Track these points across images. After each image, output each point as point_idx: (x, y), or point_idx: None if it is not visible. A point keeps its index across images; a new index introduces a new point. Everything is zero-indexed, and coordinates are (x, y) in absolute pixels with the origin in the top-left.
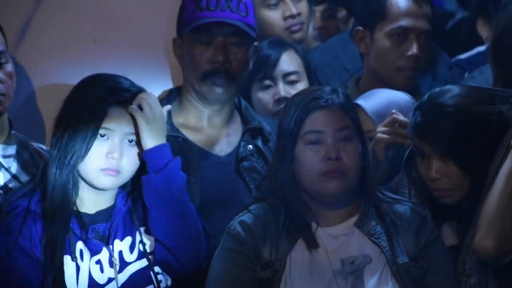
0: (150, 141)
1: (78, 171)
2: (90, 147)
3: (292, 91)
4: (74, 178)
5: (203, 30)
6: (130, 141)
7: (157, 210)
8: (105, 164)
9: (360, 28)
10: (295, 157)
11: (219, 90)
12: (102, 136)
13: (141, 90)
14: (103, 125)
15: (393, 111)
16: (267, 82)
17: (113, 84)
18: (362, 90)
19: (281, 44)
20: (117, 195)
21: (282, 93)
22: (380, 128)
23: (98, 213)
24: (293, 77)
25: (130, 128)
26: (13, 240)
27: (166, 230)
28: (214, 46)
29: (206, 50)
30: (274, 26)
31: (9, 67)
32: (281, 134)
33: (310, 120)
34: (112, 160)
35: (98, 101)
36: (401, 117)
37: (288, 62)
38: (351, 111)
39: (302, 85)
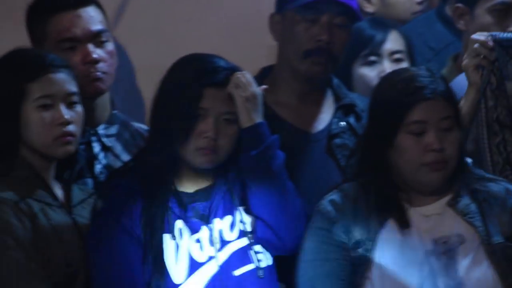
0: (247, 120)
1: (176, 151)
2: (188, 128)
3: None
4: (173, 158)
5: (310, 7)
6: (227, 120)
7: (256, 187)
8: (202, 143)
9: (459, 5)
10: (395, 145)
11: (319, 69)
12: (199, 116)
13: (236, 69)
14: (200, 105)
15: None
16: (373, 58)
17: (208, 64)
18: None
19: (385, 24)
20: (216, 174)
21: (388, 71)
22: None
23: (198, 192)
24: (398, 56)
25: (226, 108)
26: (115, 219)
27: (266, 207)
28: (320, 24)
29: (311, 28)
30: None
31: (110, 46)
32: (377, 116)
33: (415, 111)
34: (208, 139)
35: (193, 81)
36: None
37: (394, 41)
38: (453, 99)
39: (405, 65)
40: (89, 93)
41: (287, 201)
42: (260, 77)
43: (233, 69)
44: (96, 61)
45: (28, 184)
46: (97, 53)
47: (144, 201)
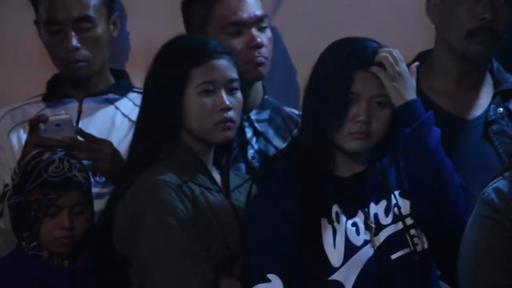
0: (399, 98)
1: (329, 136)
2: (340, 113)
3: None
4: (327, 143)
5: None
6: (379, 103)
7: (413, 165)
8: (354, 128)
9: None
10: None
11: (482, 48)
12: (351, 100)
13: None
14: (352, 89)
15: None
16: None
17: (358, 47)
18: None
19: None
20: (371, 158)
21: None
22: None
23: (353, 176)
24: None
25: (377, 90)
26: (272, 204)
27: (425, 183)
28: (483, 2)
29: (474, 7)
30: None
31: (269, 32)
32: None
33: None
34: (361, 124)
35: (344, 65)
36: None
37: None
38: None
39: None
40: (250, 78)
41: (446, 176)
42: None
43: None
44: (260, 46)
45: (190, 168)
46: (260, 37)
47: (300, 186)
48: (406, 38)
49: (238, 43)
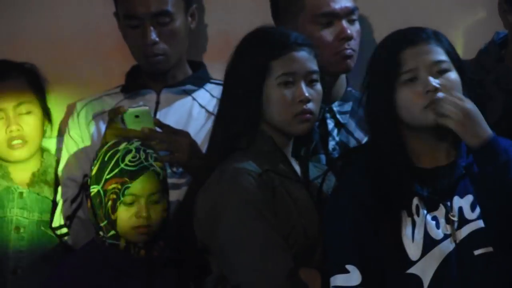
0: (474, 139)
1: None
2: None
3: None
4: (394, 133)
5: None
6: None
7: (490, 201)
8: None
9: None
10: None
11: None
12: None
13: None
14: None
15: None
16: None
17: (407, 31)
18: None
19: None
20: (457, 152)
21: None
22: None
23: (437, 169)
24: None
25: None
26: (352, 195)
27: (501, 215)
28: None
29: None
30: None
31: (358, 25)
32: None
33: None
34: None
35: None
36: None
37: None
38: None
39: None
40: (338, 70)
41: None
42: None
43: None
44: (350, 38)
45: (269, 158)
46: (350, 30)
47: (380, 178)
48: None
49: (328, 34)
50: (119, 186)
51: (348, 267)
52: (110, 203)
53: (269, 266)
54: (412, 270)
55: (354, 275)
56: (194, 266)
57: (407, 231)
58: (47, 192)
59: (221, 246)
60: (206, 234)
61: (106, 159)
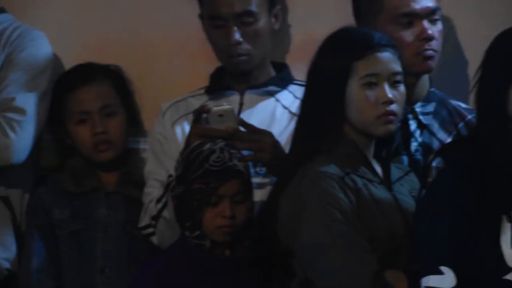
0: None
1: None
2: None
3: None
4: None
5: None
6: None
7: None
8: None
9: None
10: None
11: None
12: None
13: None
14: None
15: None
16: None
17: None
18: None
19: None
20: None
21: None
22: None
23: None
24: None
25: None
26: (449, 196)
27: None
28: None
29: None
30: None
31: (440, 24)
32: None
33: None
34: None
35: None
36: None
37: None
38: None
39: None
40: (418, 70)
41: None
42: None
43: None
44: (431, 38)
45: (351, 160)
46: (432, 30)
47: (486, 181)
48: None
49: (408, 34)
50: (204, 187)
51: (442, 268)
52: (195, 203)
53: (354, 269)
54: (509, 277)
55: (448, 278)
56: (279, 268)
57: (505, 236)
58: (133, 192)
59: (305, 250)
60: (290, 238)
61: (190, 160)
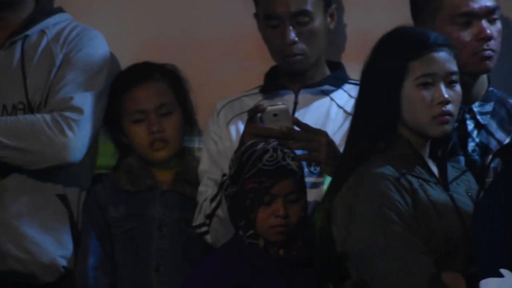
0: None
1: None
2: None
3: None
4: None
5: None
6: None
7: None
8: None
9: None
10: None
11: None
12: None
13: None
14: None
15: None
16: None
17: None
18: None
19: None
20: None
21: None
22: None
23: None
24: None
25: None
26: (507, 198)
27: None
28: None
29: None
30: None
31: (499, 24)
32: None
33: None
34: None
35: None
36: None
37: None
38: None
39: None
40: (476, 70)
41: None
42: None
43: None
44: (489, 38)
45: (407, 161)
46: (490, 29)
47: None
48: None
49: (466, 34)
50: (257, 186)
51: (503, 271)
52: (248, 202)
53: (411, 271)
54: None
55: (508, 280)
56: (333, 269)
57: None
58: (188, 191)
59: (360, 251)
60: (345, 239)
61: (244, 159)
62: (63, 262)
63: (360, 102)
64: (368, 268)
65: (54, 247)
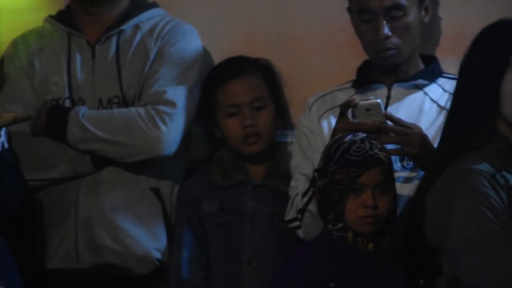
0: None
1: None
2: None
3: None
4: None
5: None
6: None
7: None
8: None
9: None
10: None
11: None
12: None
13: None
14: None
15: None
16: None
17: None
18: None
19: None
20: None
21: None
22: None
23: None
24: None
25: None
26: None
27: None
28: None
29: None
30: None
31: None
32: None
33: None
34: None
35: None
36: None
37: None
38: None
39: None
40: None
41: None
42: None
43: None
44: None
45: (504, 157)
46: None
47: None
48: None
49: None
50: (345, 176)
51: None
52: (336, 194)
53: (506, 269)
54: None
55: None
56: (425, 264)
57: None
58: (280, 185)
59: (454, 248)
60: (438, 235)
61: (332, 151)
62: (157, 255)
63: (457, 96)
64: (462, 265)
65: (148, 239)
